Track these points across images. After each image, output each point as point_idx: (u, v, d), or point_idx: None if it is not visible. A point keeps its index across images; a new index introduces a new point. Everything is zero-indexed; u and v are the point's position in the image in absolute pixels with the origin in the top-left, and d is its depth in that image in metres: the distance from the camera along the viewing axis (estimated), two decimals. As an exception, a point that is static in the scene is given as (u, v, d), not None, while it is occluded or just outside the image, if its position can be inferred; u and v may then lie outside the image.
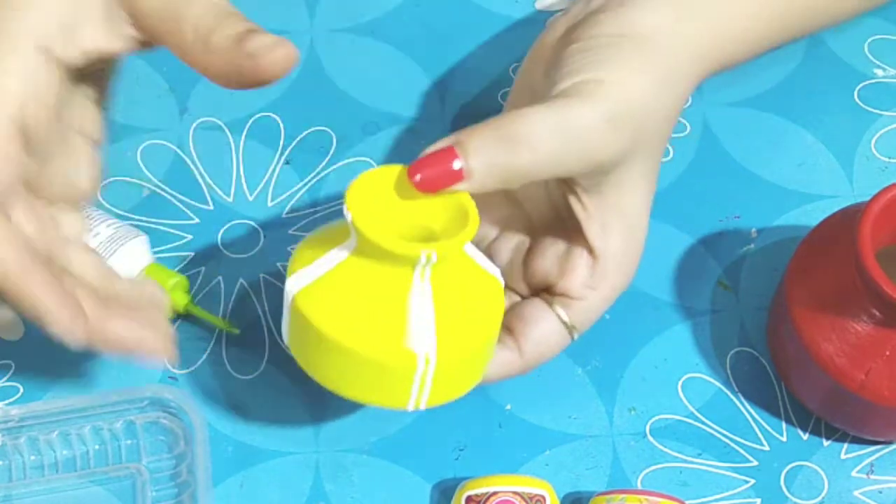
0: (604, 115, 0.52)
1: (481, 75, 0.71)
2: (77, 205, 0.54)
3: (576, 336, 0.56)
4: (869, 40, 0.72)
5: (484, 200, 0.58)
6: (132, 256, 0.62)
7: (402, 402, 0.52)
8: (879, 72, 0.71)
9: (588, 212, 0.55)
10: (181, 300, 0.62)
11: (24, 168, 0.50)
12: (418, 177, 0.50)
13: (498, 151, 0.50)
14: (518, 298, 0.58)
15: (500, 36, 0.73)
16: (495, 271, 0.54)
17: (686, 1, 0.56)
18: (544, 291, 0.57)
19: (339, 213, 0.66)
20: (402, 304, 0.50)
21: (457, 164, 0.50)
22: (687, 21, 0.56)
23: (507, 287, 0.58)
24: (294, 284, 0.51)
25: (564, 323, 0.56)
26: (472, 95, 0.70)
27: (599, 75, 0.53)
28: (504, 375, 0.56)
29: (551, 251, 0.57)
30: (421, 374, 0.51)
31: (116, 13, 0.50)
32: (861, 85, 0.71)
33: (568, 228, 0.56)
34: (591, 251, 0.55)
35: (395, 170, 0.51)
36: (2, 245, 0.48)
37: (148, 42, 0.50)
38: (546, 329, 0.56)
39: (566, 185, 0.54)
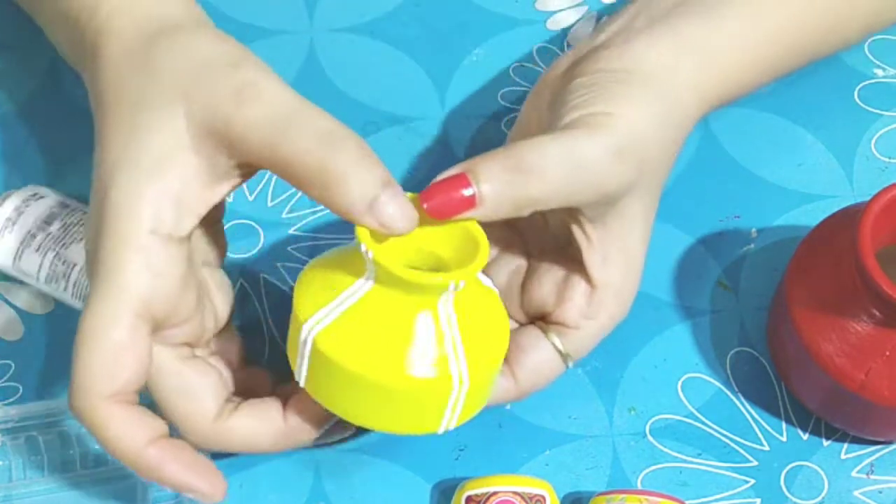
0: (611, 147, 0.52)
1: (481, 75, 0.71)
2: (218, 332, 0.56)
3: (570, 365, 0.56)
4: (869, 40, 0.72)
5: (482, 226, 0.58)
6: None
7: (434, 426, 0.52)
8: (879, 72, 0.71)
9: (591, 242, 0.55)
10: None
11: (162, 342, 0.51)
12: (429, 204, 0.50)
13: (509, 180, 0.51)
14: (513, 324, 0.58)
15: (500, 36, 0.73)
16: (494, 287, 0.55)
17: (685, 37, 0.57)
18: (540, 319, 0.57)
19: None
20: (430, 333, 0.50)
21: (468, 192, 0.50)
22: (687, 56, 0.57)
23: None
24: (314, 327, 0.50)
25: (560, 352, 0.56)
26: (472, 95, 0.70)
27: (606, 108, 0.54)
28: (499, 401, 0.56)
29: (549, 279, 0.57)
30: (454, 398, 0.51)
31: (219, 159, 0.50)
32: (861, 85, 0.71)
33: (566, 256, 0.56)
34: (589, 281, 0.55)
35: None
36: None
37: (255, 168, 0.51)
38: (541, 358, 0.56)
39: (570, 214, 0.55)
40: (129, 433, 0.49)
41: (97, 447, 0.59)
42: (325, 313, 0.50)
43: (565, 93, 0.55)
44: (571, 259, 0.56)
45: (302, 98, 0.51)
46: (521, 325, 0.58)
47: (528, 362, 0.56)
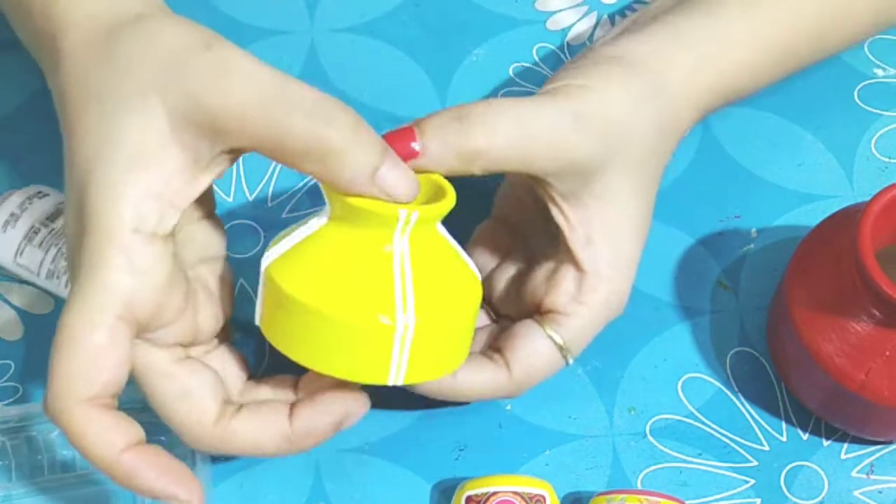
0: (568, 111, 0.52)
1: (481, 75, 0.71)
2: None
3: (570, 359, 0.56)
4: (869, 40, 0.72)
5: (486, 233, 0.58)
6: None
7: (381, 374, 0.50)
8: (879, 72, 0.71)
9: (570, 223, 0.55)
10: None
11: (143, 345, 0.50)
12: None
13: (452, 131, 0.51)
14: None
15: (500, 36, 0.73)
16: (473, 265, 0.54)
17: (683, 33, 0.57)
18: (536, 314, 0.57)
19: (339, 213, 0.66)
20: (379, 268, 0.49)
21: (414, 144, 0.51)
22: (683, 52, 0.57)
23: (503, 315, 0.59)
24: (267, 258, 0.51)
25: (557, 344, 0.55)
26: (472, 95, 0.70)
27: (579, 81, 0.54)
28: (492, 393, 0.56)
29: (541, 272, 0.57)
30: (399, 339, 0.49)
31: (202, 149, 0.49)
32: (861, 85, 0.71)
33: (558, 249, 0.56)
34: (576, 265, 0.55)
35: None
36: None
37: (240, 152, 0.50)
38: (536, 348, 0.55)
39: (543, 190, 0.54)
40: (104, 439, 0.48)
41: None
42: (280, 246, 0.51)
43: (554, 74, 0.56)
44: (562, 252, 0.56)
45: (282, 73, 0.49)
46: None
47: (523, 354, 0.55)
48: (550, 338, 0.55)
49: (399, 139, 0.51)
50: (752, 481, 0.59)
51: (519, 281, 0.58)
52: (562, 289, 0.55)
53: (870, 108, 0.70)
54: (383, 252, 0.49)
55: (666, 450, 0.60)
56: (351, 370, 0.50)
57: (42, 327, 0.63)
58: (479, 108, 0.51)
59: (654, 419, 0.61)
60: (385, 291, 0.49)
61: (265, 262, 0.51)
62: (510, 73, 0.71)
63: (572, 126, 0.52)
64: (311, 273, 0.49)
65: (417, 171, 0.51)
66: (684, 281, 0.64)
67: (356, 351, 0.49)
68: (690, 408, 0.61)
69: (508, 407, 0.61)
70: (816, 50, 0.63)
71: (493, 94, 0.70)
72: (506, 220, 0.60)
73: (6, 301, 0.64)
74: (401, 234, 0.49)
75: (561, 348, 0.56)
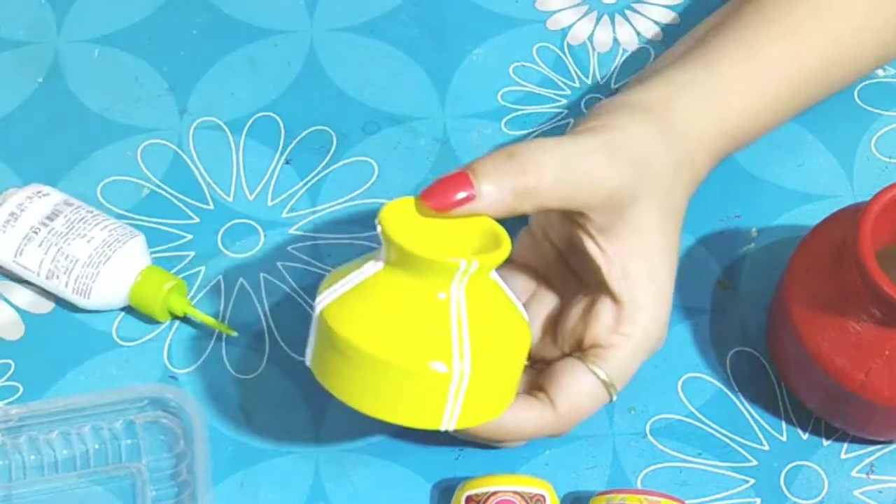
0: (604, 144, 0.54)
1: (481, 75, 0.71)
2: None
3: (614, 395, 0.56)
4: (869, 40, 0.72)
5: (510, 275, 0.59)
6: (129, 259, 0.62)
7: (434, 420, 0.50)
8: (879, 72, 0.71)
9: (607, 255, 0.55)
10: (179, 304, 0.62)
11: None
12: (430, 201, 0.51)
13: (506, 173, 0.52)
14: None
15: (500, 36, 0.73)
16: (522, 309, 0.55)
17: (677, 80, 0.60)
18: (576, 352, 0.57)
19: (340, 212, 0.66)
20: (437, 316, 0.50)
21: (467, 189, 0.51)
22: (679, 95, 0.59)
23: (536, 359, 0.59)
24: (321, 301, 0.51)
25: (600, 379, 0.55)
26: (472, 95, 0.70)
27: (604, 121, 0.56)
28: (538, 431, 0.56)
29: (577, 310, 0.57)
30: (455, 387, 0.50)
31: None
32: (861, 85, 0.71)
33: (592, 287, 0.57)
34: (613, 298, 0.56)
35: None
36: None
37: None
38: (580, 383, 0.55)
39: (581, 227, 0.55)
40: None
41: (97, 446, 0.59)
42: (334, 289, 0.50)
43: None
44: (596, 286, 0.56)
45: None
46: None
47: (568, 390, 0.55)
48: (594, 373, 0.55)
49: (454, 185, 0.51)
50: (752, 481, 0.59)
51: (551, 323, 0.59)
52: (601, 322, 0.56)
53: (870, 108, 0.70)
54: (440, 300, 0.50)
55: (666, 450, 0.60)
56: (404, 415, 0.50)
57: (42, 327, 0.63)
58: (529, 152, 0.52)
59: (654, 419, 0.61)
60: (442, 339, 0.49)
61: (319, 306, 0.51)
62: (510, 73, 0.71)
63: (607, 158, 0.54)
64: (368, 319, 0.49)
65: (471, 215, 0.51)
66: (684, 281, 0.64)
67: (411, 397, 0.50)
68: (690, 408, 0.61)
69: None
70: (824, 86, 0.64)
71: (493, 94, 0.70)
72: (526, 265, 0.61)
73: (6, 301, 0.64)
74: (458, 283, 0.50)
75: (605, 383, 0.56)
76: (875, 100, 0.70)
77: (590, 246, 0.55)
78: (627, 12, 0.74)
